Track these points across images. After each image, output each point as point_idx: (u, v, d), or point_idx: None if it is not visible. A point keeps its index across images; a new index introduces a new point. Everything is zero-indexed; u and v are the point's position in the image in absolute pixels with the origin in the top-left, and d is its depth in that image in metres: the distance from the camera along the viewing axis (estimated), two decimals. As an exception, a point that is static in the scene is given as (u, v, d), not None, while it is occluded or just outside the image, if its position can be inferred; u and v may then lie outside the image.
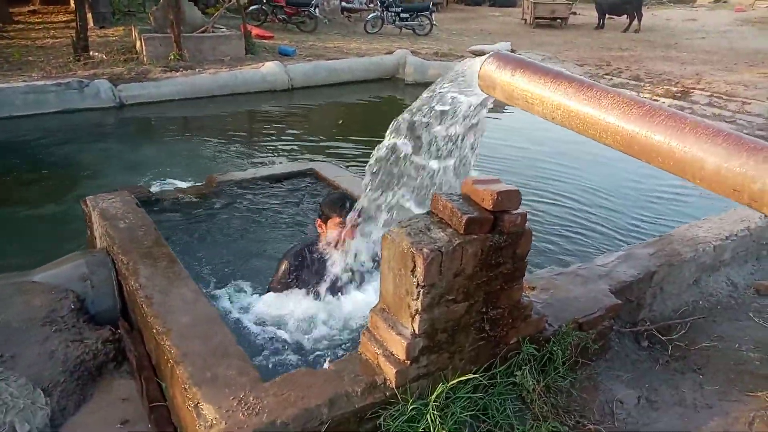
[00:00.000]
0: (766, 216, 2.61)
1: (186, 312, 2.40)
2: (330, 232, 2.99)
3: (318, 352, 2.68)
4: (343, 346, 2.73)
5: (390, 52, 11.97)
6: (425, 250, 1.91)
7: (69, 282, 2.86)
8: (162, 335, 2.27)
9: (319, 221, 3.06)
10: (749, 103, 8.75)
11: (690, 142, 1.46)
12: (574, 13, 20.76)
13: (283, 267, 3.07)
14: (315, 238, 3.15)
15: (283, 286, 3.03)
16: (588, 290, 2.82)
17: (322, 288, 2.99)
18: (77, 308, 2.74)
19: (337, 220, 2.94)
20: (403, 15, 15.87)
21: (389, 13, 15.86)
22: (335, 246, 2.99)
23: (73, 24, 10.78)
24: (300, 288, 3.02)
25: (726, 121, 8.36)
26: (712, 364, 2.80)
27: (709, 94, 9.38)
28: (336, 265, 2.99)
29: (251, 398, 1.94)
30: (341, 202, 2.99)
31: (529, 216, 2.12)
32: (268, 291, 3.08)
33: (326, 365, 2.18)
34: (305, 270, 3.05)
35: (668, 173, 1.54)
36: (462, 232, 1.99)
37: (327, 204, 3.05)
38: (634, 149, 1.57)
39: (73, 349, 2.49)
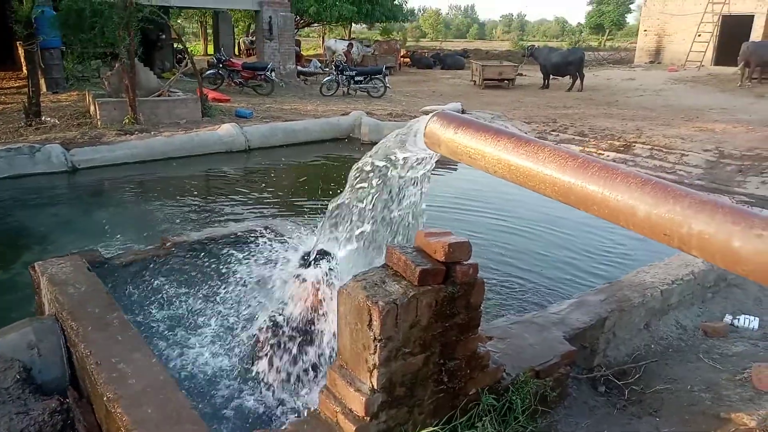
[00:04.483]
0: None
1: (139, 377, 2.33)
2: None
3: (276, 413, 2.62)
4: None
5: (346, 114, 12.24)
6: (381, 302, 1.94)
7: (15, 351, 2.74)
8: (113, 402, 2.19)
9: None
10: (687, 155, 9.27)
11: (621, 190, 1.56)
12: (521, 74, 21.83)
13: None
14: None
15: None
16: (543, 338, 2.88)
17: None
18: (23, 378, 2.62)
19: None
20: (357, 78, 16.37)
21: (344, 77, 16.33)
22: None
23: (25, 89, 10.69)
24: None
25: (667, 172, 8.81)
26: (667, 406, 2.86)
27: (650, 147, 9.90)
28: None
29: (207, 464, 1.89)
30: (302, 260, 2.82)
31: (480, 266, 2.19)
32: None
33: (285, 426, 2.14)
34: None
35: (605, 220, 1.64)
36: (416, 283, 2.03)
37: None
38: (571, 199, 1.66)
39: (17, 422, 2.37)
